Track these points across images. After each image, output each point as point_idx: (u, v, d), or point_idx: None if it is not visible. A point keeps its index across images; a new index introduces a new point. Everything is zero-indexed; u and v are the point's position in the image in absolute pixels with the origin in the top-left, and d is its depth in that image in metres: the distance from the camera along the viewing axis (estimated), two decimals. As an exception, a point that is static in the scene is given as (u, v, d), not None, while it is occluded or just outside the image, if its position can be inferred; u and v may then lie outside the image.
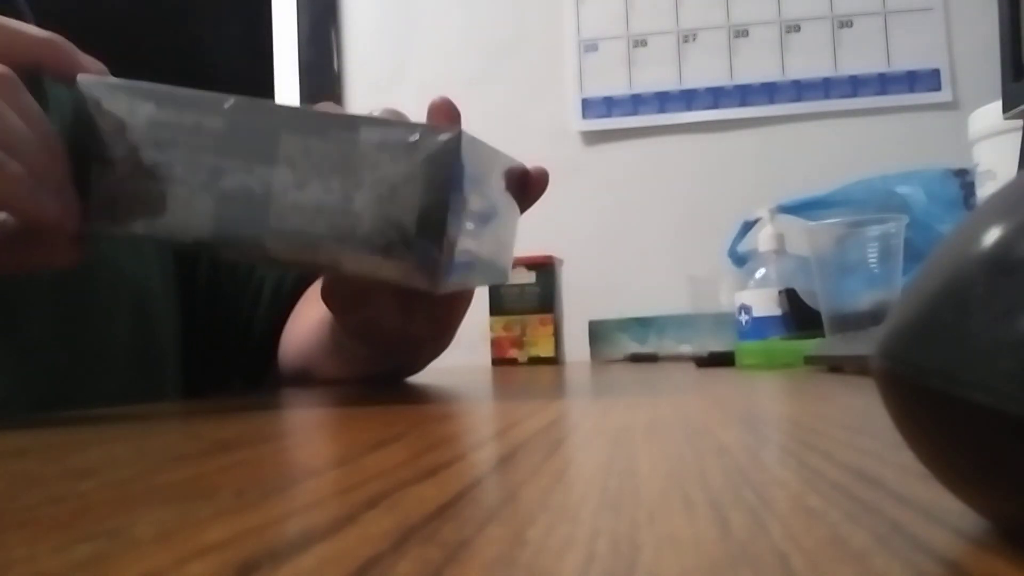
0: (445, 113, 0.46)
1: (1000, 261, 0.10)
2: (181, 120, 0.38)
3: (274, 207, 0.38)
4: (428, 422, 0.28)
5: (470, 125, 0.57)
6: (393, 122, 0.38)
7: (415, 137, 0.37)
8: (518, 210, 0.49)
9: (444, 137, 0.38)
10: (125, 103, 0.38)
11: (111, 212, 0.38)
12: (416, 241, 0.38)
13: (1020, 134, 0.75)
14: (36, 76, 0.38)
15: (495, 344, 1.08)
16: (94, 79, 0.38)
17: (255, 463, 0.19)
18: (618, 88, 1.39)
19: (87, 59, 0.39)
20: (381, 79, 1.46)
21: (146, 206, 0.38)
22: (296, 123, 0.38)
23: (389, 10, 1.47)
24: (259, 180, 0.38)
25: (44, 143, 0.36)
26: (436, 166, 0.38)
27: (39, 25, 0.39)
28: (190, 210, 0.38)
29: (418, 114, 0.43)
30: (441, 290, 0.39)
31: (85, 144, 0.38)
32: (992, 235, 0.10)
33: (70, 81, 0.38)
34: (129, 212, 0.38)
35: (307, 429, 0.27)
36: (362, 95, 1.46)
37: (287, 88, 1.51)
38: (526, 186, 0.48)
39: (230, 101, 0.38)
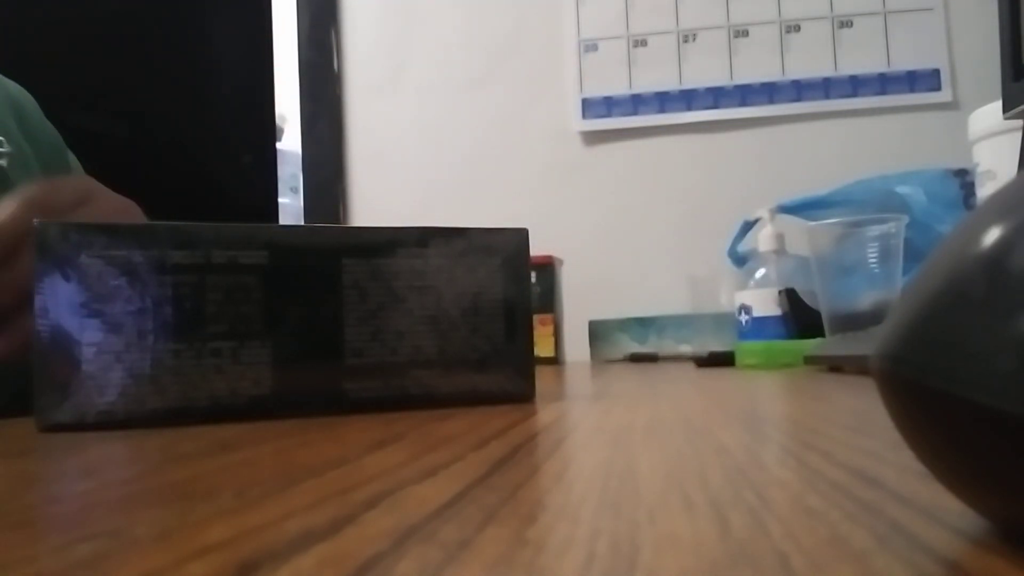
0: None
1: (1000, 261, 0.10)
2: (211, 261, 0.32)
3: (347, 343, 0.34)
4: (428, 422, 0.28)
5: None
6: (460, 229, 0.36)
7: (489, 241, 0.36)
8: None
9: (515, 235, 0.37)
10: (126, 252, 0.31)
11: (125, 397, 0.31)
12: (508, 348, 0.36)
13: (1020, 134, 0.75)
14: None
15: (495, 344, 1.08)
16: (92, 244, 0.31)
17: (255, 463, 0.19)
18: (618, 88, 1.39)
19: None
20: (381, 79, 1.46)
21: (171, 379, 0.31)
22: (356, 244, 0.34)
23: (389, 10, 1.47)
24: (322, 315, 0.33)
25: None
26: (514, 266, 0.36)
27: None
28: (238, 368, 0.32)
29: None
30: (534, 396, 0.37)
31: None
32: (992, 235, 0.10)
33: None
34: (139, 391, 0.31)
35: (307, 429, 0.27)
36: (362, 95, 1.46)
37: (287, 88, 1.51)
38: None
39: (267, 231, 0.33)
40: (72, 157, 0.75)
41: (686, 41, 1.38)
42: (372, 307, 0.34)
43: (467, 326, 0.36)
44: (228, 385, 0.32)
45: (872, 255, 0.71)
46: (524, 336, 0.37)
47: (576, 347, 1.17)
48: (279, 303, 0.33)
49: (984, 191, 0.86)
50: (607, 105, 1.39)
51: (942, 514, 0.12)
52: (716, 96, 1.37)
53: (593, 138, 1.40)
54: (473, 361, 0.36)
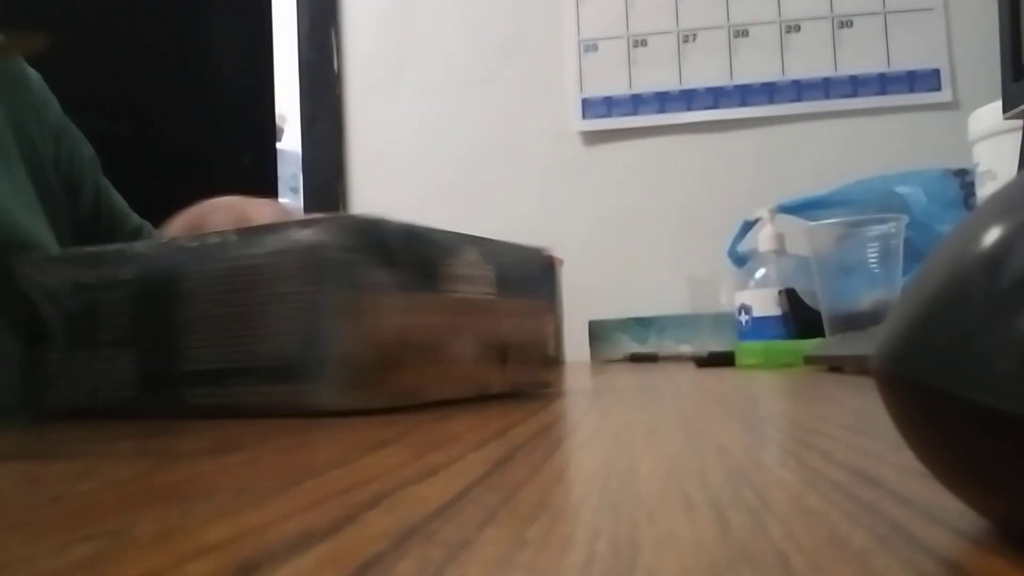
0: None
1: (1000, 261, 0.10)
2: (101, 278, 0.37)
3: (189, 349, 0.34)
4: (428, 422, 0.28)
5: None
6: (283, 224, 0.32)
7: (308, 235, 0.32)
8: None
9: (323, 227, 0.32)
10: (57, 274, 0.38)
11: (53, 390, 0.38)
12: (344, 357, 0.31)
13: (1020, 134, 0.75)
14: None
15: (495, 344, 1.08)
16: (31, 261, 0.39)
17: (255, 463, 0.19)
18: (618, 88, 1.39)
19: None
20: (381, 79, 1.46)
21: (79, 378, 0.37)
22: (195, 253, 0.34)
23: (389, 10, 1.47)
24: (171, 323, 0.35)
25: None
26: (318, 264, 0.32)
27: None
28: (115, 371, 0.36)
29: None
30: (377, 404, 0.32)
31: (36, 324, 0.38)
32: (992, 235, 0.10)
33: None
34: (60, 387, 0.38)
35: (307, 430, 0.27)
36: (362, 95, 1.46)
37: (287, 88, 1.51)
38: None
39: (142, 247, 0.37)
40: (74, 134, 0.70)
41: (686, 41, 1.38)
42: (207, 312, 0.34)
43: (300, 333, 0.32)
44: (111, 384, 0.36)
45: (872, 255, 0.71)
46: (365, 344, 0.32)
47: (576, 347, 1.17)
48: (140, 315, 0.36)
49: (984, 191, 0.86)
50: (607, 105, 1.39)
51: (942, 514, 0.12)
52: (716, 96, 1.37)
53: (593, 138, 1.40)
54: (301, 373, 0.32)
